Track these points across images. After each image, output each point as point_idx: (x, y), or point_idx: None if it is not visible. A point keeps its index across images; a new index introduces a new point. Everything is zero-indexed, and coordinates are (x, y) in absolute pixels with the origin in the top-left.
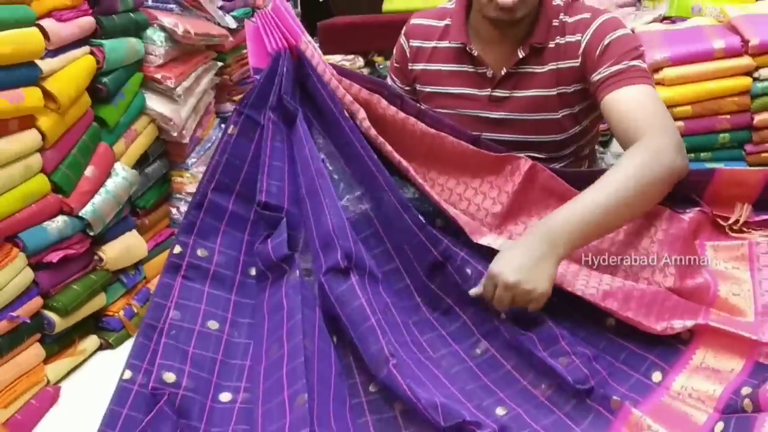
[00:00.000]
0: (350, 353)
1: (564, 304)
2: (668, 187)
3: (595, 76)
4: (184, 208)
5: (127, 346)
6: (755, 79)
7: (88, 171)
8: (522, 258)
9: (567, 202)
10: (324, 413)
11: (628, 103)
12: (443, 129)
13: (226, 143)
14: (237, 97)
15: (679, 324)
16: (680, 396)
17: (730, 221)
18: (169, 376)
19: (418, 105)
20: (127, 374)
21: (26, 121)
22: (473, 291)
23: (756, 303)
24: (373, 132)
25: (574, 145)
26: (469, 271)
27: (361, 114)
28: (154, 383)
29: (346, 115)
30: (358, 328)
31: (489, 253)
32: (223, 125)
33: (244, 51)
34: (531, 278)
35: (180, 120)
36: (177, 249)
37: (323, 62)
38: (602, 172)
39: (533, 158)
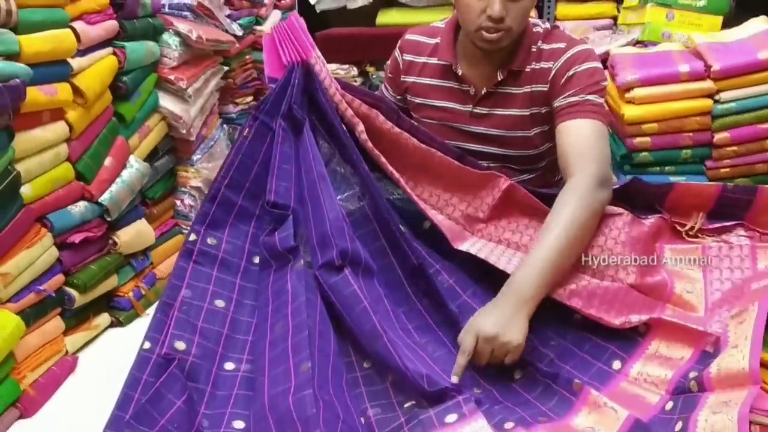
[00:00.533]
0: (346, 335)
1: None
2: (599, 217)
3: (556, 103)
4: (188, 200)
5: (136, 324)
6: (716, 101)
7: (107, 161)
8: (497, 315)
9: (522, 263)
10: (324, 381)
11: (569, 135)
12: (433, 145)
13: (240, 144)
14: (239, 100)
15: (635, 318)
16: (636, 381)
17: (687, 227)
18: (180, 345)
19: (411, 121)
20: (147, 345)
21: (56, 114)
22: (456, 369)
23: (706, 300)
24: (369, 145)
25: (545, 160)
26: (442, 280)
27: (360, 127)
28: (167, 350)
29: (344, 128)
30: (353, 311)
31: (462, 266)
32: (225, 126)
33: (248, 57)
34: (507, 331)
35: (189, 118)
36: (192, 237)
37: (330, 77)
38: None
39: (509, 169)
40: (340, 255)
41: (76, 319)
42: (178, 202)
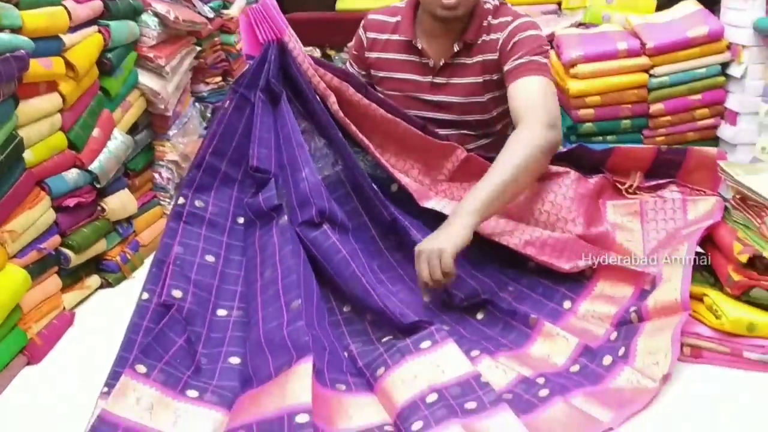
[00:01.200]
0: (326, 284)
1: (495, 252)
2: (546, 158)
3: (506, 67)
4: (165, 173)
5: (124, 285)
6: (651, 76)
7: (95, 132)
8: (437, 234)
9: (471, 188)
10: (310, 319)
11: (519, 92)
12: (398, 116)
13: (222, 115)
14: (209, 79)
15: (582, 263)
16: (584, 317)
17: (626, 185)
18: (177, 293)
19: (378, 94)
20: (145, 296)
21: (51, 86)
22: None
23: (644, 247)
24: (341, 114)
25: (499, 124)
26: (412, 236)
27: (332, 99)
28: (165, 297)
29: (318, 99)
30: (332, 260)
31: (428, 224)
32: (197, 104)
33: (216, 39)
34: (437, 243)
35: (167, 94)
36: (180, 200)
37: (303, 53)
38: None
39: (468, 135)
40: (318, 213)
41: (71, 278)
42: (156, 175)
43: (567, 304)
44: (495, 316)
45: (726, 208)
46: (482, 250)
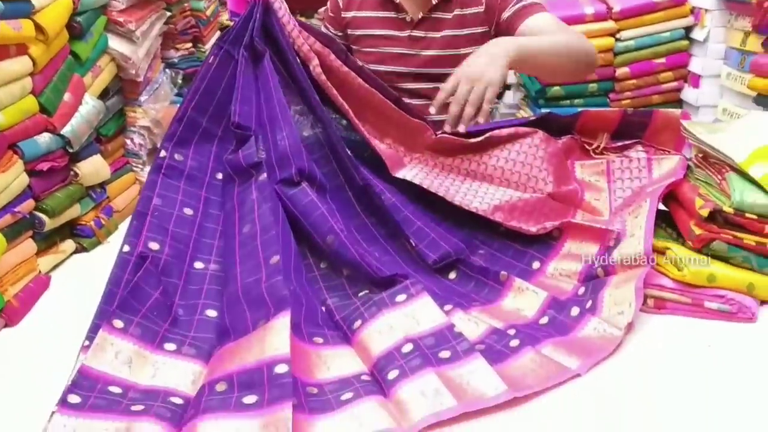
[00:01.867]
0: (303, 241)
1: (466, 216)
2: (585, 65)
3: (505, 14)
4: (137, 139)
5: (99, 250)
6: (617, 40)
7: (66, 97)
8: (478, 58)
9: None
10: (288, 274)
11: (538, 24)
12: (375, 86)
13: (206, 71)
14: (180, 45)
15: (550, 224)
16: (553, 276)
17: (594, 146)
18: (154, 245)
19: (358, 63)
20: (126, 248)
21: (21, 49)
22: (435, 102)
23: (611, 206)
24: (322, 78)
25: None
26: (386, 199)
27: (315, 62)
28: (141, 249)
29: (299, 61)
30: (310, 217)
31: (401, 188)
32: (168, 70)
33: (186, 4)
34: (487, 74)
35: (138, 59)
36: (162, 153)
37: (288, 15)
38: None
39: None
40: (298, 172)
41: (46, 243)
42: (128, 141)
43: (536, 265)
44: (467, 275)
45: (689, 167)
46: (454, 213)
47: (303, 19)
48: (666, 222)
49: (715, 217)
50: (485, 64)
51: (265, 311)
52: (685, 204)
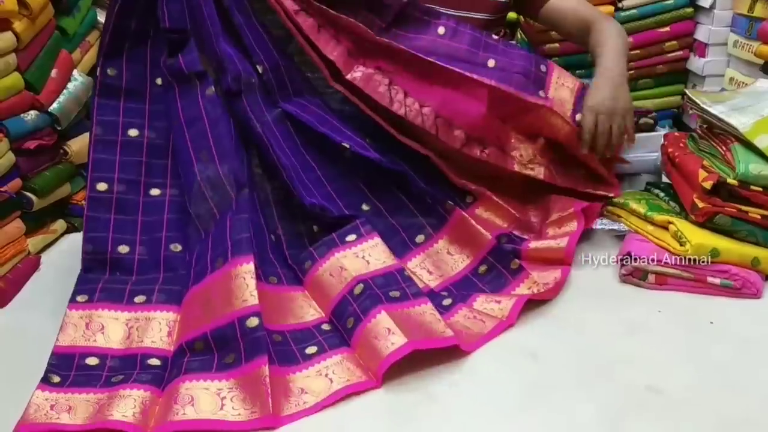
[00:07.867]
0: (252, 151)
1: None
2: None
3: None
4: None
5: None
6: (619, 9)
7: (53, 73)
8: (602, 91)
9: (597, 52)
10: (244, 201)
11: (561, 10)
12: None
13: None
14: None
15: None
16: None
17: None
18: (101, 185)
19: None
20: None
21: (3, 24)
22: (583, 144)
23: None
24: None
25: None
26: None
27: None
28: (89, 193)
29: None
30: (255, 129)
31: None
32: None
33: None
34: (618, 102)
35: None
36: (98, 71)
37: None
38: None
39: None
40: (234, 80)
41: (35, 223)
42: None
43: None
44: (423, 199)
45: (692, 137)
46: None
47: None
48: (669, 196)
49: (719, 190)
50: (613, 98)
51: (223, 248)
52: (689, 177)
